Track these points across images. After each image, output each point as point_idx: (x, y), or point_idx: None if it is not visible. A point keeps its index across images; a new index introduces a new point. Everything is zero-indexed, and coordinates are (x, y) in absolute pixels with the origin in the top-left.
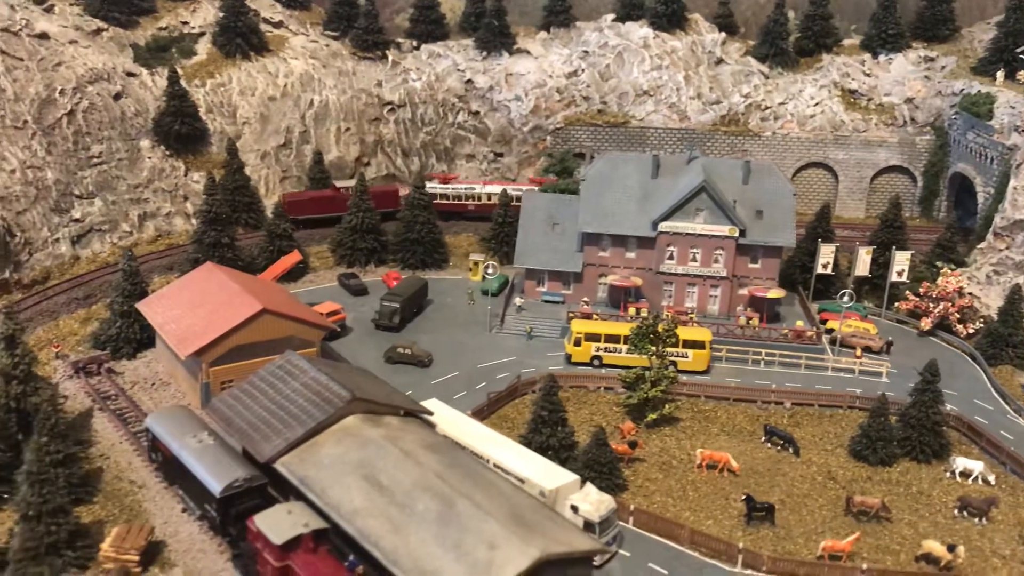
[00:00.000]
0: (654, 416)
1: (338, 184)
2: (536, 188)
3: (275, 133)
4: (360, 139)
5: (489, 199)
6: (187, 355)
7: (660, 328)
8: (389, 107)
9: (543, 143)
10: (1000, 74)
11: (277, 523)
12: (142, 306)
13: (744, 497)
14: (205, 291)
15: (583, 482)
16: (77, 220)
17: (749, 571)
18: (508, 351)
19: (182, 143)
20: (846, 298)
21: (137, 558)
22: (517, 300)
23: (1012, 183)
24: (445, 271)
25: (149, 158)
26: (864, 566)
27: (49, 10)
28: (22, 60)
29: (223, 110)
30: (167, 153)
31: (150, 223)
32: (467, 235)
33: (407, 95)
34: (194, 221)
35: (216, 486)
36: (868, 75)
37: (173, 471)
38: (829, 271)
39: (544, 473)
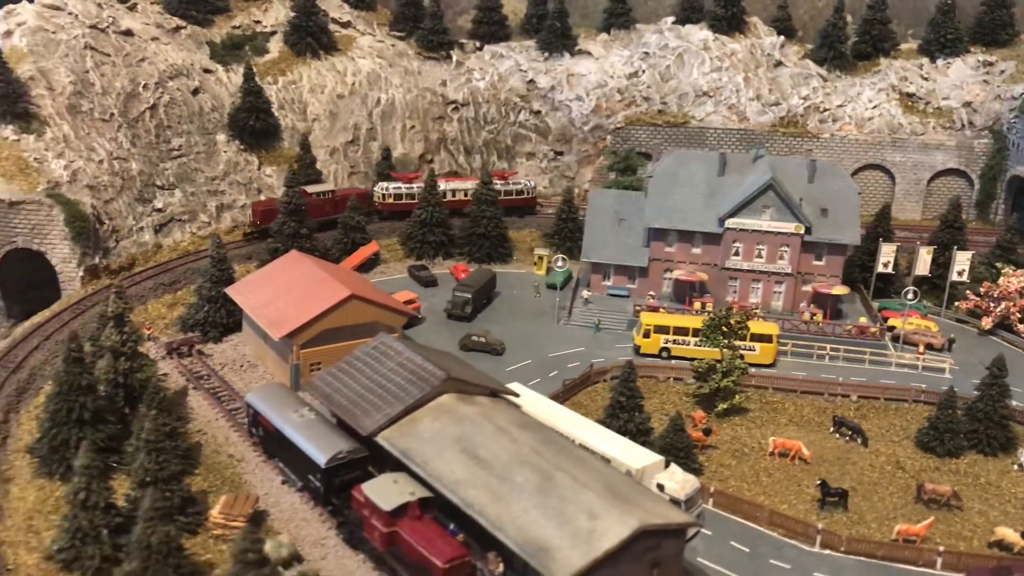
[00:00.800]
0: (724, 406)
1: (309, 189)
2: (501, 180)
3: (343, 130)
4: (424, 136)
5: (454, 195)
6: (280, 337)
7: (732, 320)
8: (453, 106)
9: (603, 142)
10: None
11: (385, 491)
12: (232, 291)
13: (819, 482)
14: (293, 277)
15: (667, 463)
16: (159, 210)
17: (827, 551)
18: (577, 342)
19: (256, 138)
20: (911, 295)
21: (244, 525)
22: (584, 293)
23: None
24: (510, 265)
25: (225, 152)
26: (941, 548)
27: (132, 8)
28: (109, 56)
29: (294, 107)
30: (241, 148)
31: (227, 214)
32: (530, 230)
33: (470, 94)
34: None
35: (321, 458)
36: (926, 79)
37: (274, 445)
38: (890, 270)
39: (629, 453)
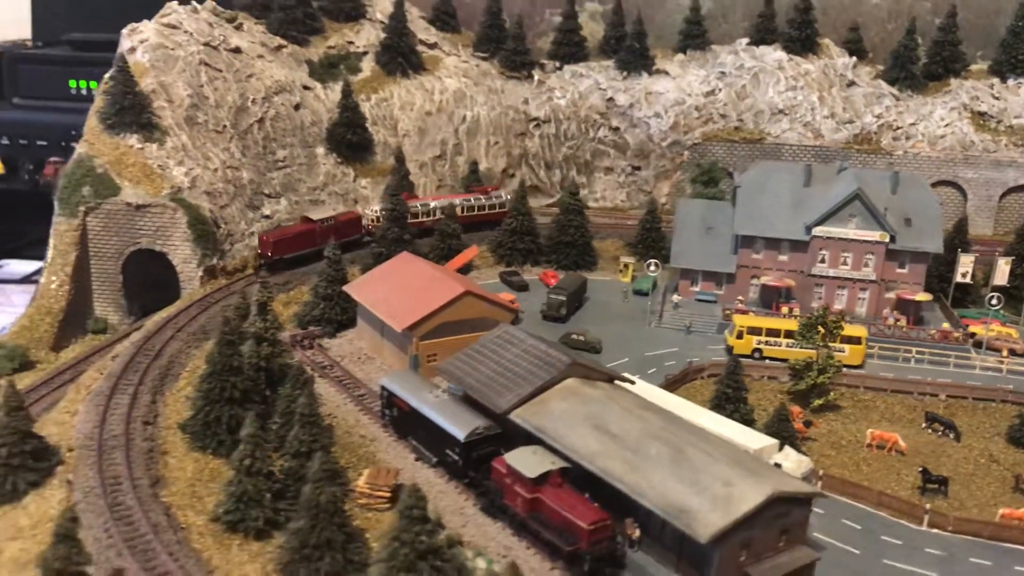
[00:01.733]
0: (819, 402)
1: (313, 216)
2: (474, 197)
3: (431, 145)
4: (507, 152)
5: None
6: (402, 328)
7: (828, 320)
8: (534, 122)
9: (680, 157)
10: None
11: (527, 461)
12: (350, 289)
13: (920, 469)
14: (407, 276)
15: (781, 445)
16: (267, 216)
17: (935, 530)
18: (669, 343)
19: (352, 151)
20: (994, 301)
21: (388, 494)
22: (674, 298)
23: None
24: (595, 272)
25: (323, 164)
26: None
27: (239, 28)
28: (220, 71)
29: (386, 123)
30: (338, 160)
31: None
32: (612, 240)
33: (552, 111)
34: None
35: (460, 433)
36: (997, 98)
37: (408, 424)
38: (968, 280)
39: (745, 436)
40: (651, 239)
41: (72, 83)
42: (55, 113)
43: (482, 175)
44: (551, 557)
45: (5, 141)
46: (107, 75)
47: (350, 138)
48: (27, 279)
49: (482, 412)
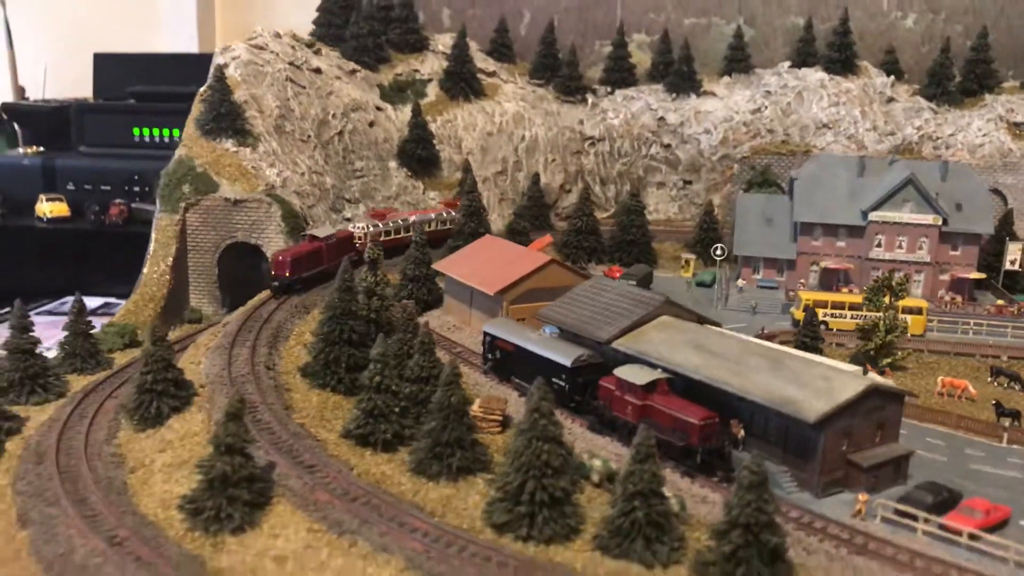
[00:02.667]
0: (887, 362)
1: (316, 233)
2: (450, 210)
3: (493, 162)
4: (564, 168)
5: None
6: (494, 292)
7: (894, 283)
8: (589, 141)
9: (730, 170)
10: None
11: (635, 373)
12: (440, 266)
13: (994, 403)
14: (492, 253)
15: (864, 371)
16: (348, 219)
17: (1015, 446)
18: (738, 320)
19: (421, 166)
20: None
21: (500, 417)
22: (739, 283)
23: None
24: (656, 270)
25: (395, 176)
26: None
27: (317, 53)
28: (304, 88)
29: (450, 141)
30: (408, 174)
31: None
32: (671, 243)
33: (606, 131)
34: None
35: (566, 360)
36: None
37: (512, 364)
38: (1016, 267)
39: (832, 363)
40: (709, 239)
41: (136, 131)
42: (118, 160)
43: (544, 187)
44: (663, 458)
45: (71, 187)
46: (203, 87)
47: (420, 153)
48: (93, 312)
49: (583, 347)
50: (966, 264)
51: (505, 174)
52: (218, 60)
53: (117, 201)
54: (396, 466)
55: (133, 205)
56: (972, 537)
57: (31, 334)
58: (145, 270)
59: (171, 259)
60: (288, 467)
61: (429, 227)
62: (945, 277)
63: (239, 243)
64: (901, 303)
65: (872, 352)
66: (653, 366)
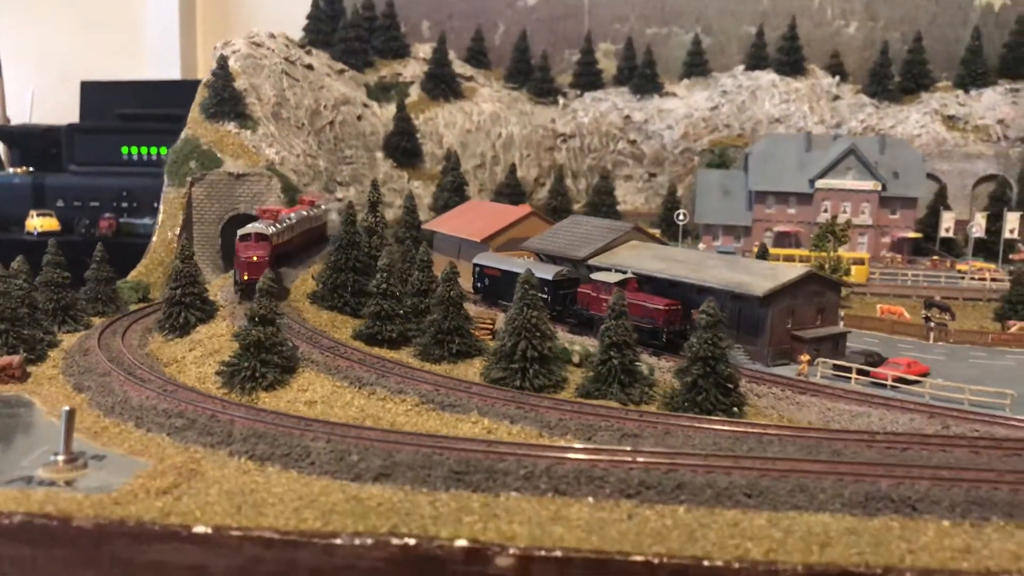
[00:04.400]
0: None
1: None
2: (312, 206)
3: (472, 156)
4: (538, 163)
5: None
6: (481, 239)
7: (837, 228)
8: (562, 138)
9: (692, 163)
10: None
11: (608, 275)
12: (430, 225)
13: (923, 300)
14: (478, 211)
15: None
16: (339, 199)
17: (941, 343)
18: None
19: (405, 157)
20: (974, 230)
21: (492, 326)
22: (699, 247)
23: None
24: None
25: (382, 166)
26: None
27: (309, 53)
28: (297, 80)
29: (432, 137)
30: (394, 165)
31: (388, 211)
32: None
33: (576, 128)
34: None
35: (548, 275)
36: (962, 105)
37: (498, 288)
38: (951, 234)
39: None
40: (671, 218)
41: (124, 150)
42: (106, 177)
43: (521, 179)
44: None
45: (60, 204)
46: (207, 76)
47: (404, 145)
48: None
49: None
50: (905, 226)
51: (484, 167)
52: (218, 53)
53: (106, 215)
54: (403, 356)
55: (121, 220)
56: (896, 381)
57: (63, 271)
58: (154, 238)
59: (178, 228)
60: (310, 349)
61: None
62: (887, 239)
63: (241, 215)
64: (846, 255)
65: None
66: (624, 272)
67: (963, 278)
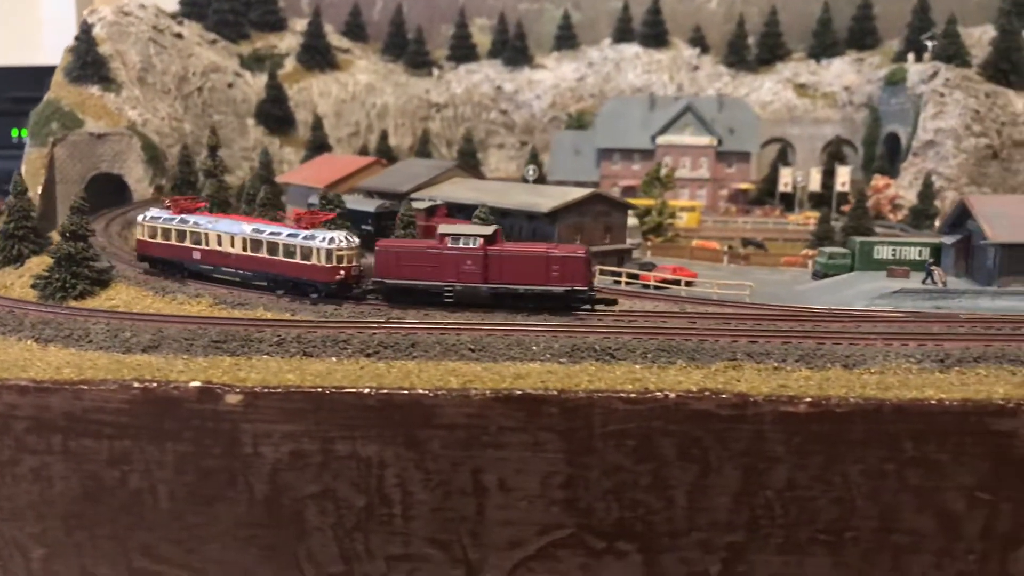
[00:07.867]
0: (660, 240)
1: None
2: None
3: (347, 125)
4: (412, 132)
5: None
6: (324, 186)
7: (663, 175)
8: (435, 107)
9: (559, 131)
10: (911, 57)
11: (422, 204)
12: (283, 178)
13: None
14: (328, 163)
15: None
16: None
17: (732, 264)
18: None
19: (277, 124)
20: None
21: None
22: None
23: (921, 115)
24: None
25: (253, 133)
26: None
27: (180, 23)
28: (165, 48)
29: (306, 106)
30: (266, 132)
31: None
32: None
33: (450, 98)
34: None
35: (371, 207)
36: (813, 74)
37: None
38: (790, 190)
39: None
40: (537, 180)
41: (14, 132)
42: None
43: (392, 149)
44: None
45: None
46: (70, 41)
47: (275, 113)
48: None
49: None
50: (740, 179)
51: (359, 135)
52: (86, 20)
53: None
54: None
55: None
56: (661, 283)
57: None
58: (11, 199)
59: (39, 188)
60: (124, 267)
61: None
62: (724, 191)
63: (103, 174)
64: (679, 203)
65: (646, 232)
66: (434, 200)
67: (789, 225)
